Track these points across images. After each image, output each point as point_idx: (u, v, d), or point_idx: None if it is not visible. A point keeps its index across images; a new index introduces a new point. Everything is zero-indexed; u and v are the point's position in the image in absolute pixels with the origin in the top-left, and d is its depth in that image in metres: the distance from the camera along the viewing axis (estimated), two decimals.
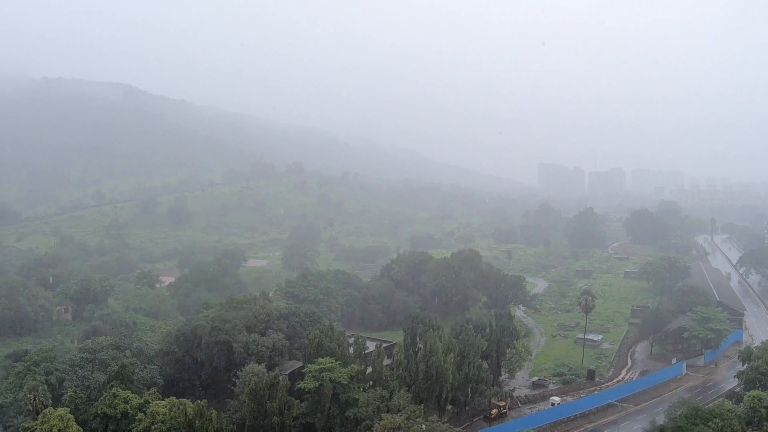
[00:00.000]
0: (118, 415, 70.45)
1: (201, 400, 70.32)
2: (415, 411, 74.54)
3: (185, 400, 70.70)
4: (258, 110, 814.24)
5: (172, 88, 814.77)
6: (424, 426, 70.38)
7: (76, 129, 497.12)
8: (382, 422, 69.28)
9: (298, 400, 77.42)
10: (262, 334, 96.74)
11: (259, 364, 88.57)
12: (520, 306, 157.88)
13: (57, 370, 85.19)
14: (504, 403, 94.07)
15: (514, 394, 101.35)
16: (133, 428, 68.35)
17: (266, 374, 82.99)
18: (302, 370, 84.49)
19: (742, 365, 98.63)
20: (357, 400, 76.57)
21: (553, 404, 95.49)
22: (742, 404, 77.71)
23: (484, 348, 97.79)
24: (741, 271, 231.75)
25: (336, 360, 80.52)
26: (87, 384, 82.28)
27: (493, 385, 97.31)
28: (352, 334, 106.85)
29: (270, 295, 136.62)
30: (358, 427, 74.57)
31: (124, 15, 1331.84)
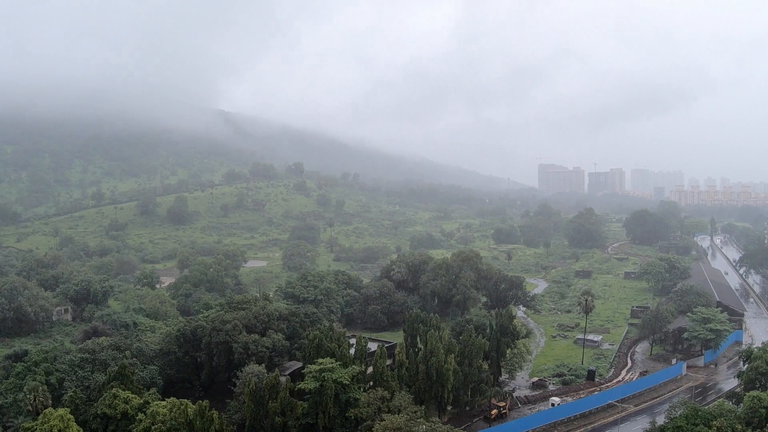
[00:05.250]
0: (118, 416, 70.46)
1: (202, 401, 70.29)
2: (416, 411, 74.60)
3: (186, 400, 70.73)
4: (258, 110, 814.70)
5: (171, 87, 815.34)
6: (424, 426, 70.38)
7: (77, 129, 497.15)
8: (383, 422, 69.29)
9: (301, 401, 77.51)
10: (262, 335, 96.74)
11: (259, 364, 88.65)
12: (520, 306, 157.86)
13: (57, 370, 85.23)
14: (504, 404, 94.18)
15: (514, 394, 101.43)
16: (134, 428, 68.38)
17: (266, 375, 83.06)
18: (302, 371, 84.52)
19: (743, 365, 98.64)
20: (358, 400, 76.62)
21: (553, 405, 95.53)
22: (742, 405, 77.65)
23: (486, 348, 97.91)
24: (741, 272, 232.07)
25: (336, 360, 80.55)
26: (87, 384, 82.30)
27: (493, 386, 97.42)
28: (353, 335, 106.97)
29: (270, 295, 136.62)
30: (359, 428, 74.60)
31: (118, 14, 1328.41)
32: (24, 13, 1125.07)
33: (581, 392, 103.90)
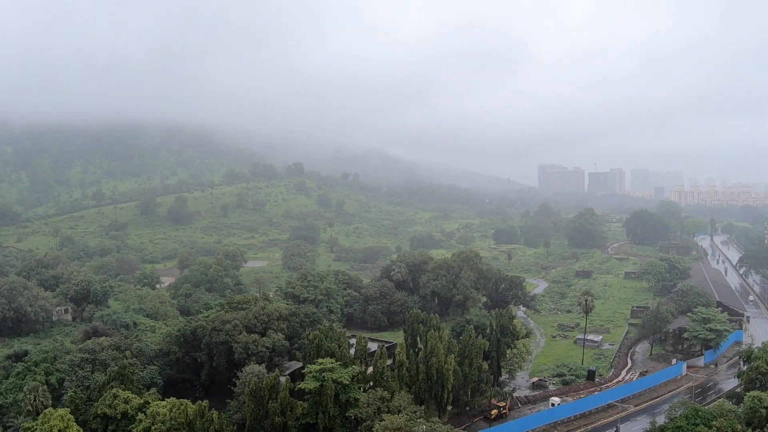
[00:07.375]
0: (118, 416, 70.54)
1: (202, 401, 70.31)
2: (416, 411, 74.58)
3: (186, 400, 70.76)
4: (258, 110, 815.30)
5: (171, 87, 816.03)
6: (424, 426, 70.34)
7: (77, 129, 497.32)
8: (382, 423, 69.25)
9: (300, 401, 77.51)
10: (262, 335, 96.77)
11: (259, 364, 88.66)
12: (520, 306, 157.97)
13: (57, 370, 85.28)
14: (504, 404, 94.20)
15: (515, 394, 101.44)
16: (134, 428, 68.42)
17: (266, 375, 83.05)
18: (302, 371, 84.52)
19: (743, 365, 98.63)
20: (358, 400, 76.61)
21: (553, 405, 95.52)
22: (742, 404, 77.67)
23: (486, 348, 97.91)
24: (741, 272, 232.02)
25: (336, 360, 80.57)
26: (87, 384, 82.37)
27: (493, 386, 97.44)
28: (353, 335, 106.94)
29: (270, 295, 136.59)
30: (359, 428, 74.55)
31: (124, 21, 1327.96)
32: (26, 10, 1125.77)
33: (581, 392, 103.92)
